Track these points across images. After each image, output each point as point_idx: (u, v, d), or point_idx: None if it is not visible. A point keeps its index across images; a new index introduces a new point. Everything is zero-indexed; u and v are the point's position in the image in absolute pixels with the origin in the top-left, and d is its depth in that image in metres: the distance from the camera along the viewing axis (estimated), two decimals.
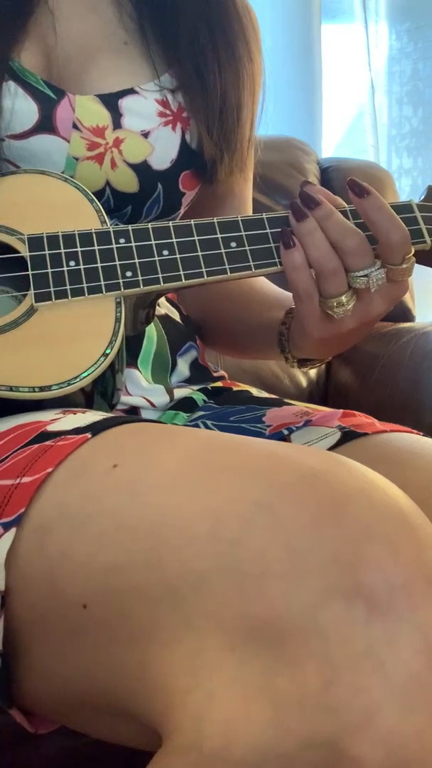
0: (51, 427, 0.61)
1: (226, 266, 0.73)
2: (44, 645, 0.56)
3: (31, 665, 0.58)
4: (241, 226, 0.74)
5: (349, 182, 0.72)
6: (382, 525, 0.47)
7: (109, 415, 0.64)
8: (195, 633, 0.47)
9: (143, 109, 0.83)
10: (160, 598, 0.48)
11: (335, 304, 0.72)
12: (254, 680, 0.45)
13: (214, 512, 0.48)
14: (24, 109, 0.79)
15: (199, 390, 0.91)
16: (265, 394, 0.93)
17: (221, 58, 0.86)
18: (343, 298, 0.72)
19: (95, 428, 0.59)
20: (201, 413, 0.88)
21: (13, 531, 0.55)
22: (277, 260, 0.73)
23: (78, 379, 0.67)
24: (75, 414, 0.64)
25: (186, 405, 0.89)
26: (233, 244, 0.73)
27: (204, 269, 0.72)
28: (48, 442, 0.59)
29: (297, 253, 0.72)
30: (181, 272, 0.72)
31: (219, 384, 0.94)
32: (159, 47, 0.87)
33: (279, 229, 0.74)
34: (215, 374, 0.95)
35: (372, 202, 0.72)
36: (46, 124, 0.80)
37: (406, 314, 1.52)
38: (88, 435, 0.58)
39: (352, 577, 0.45)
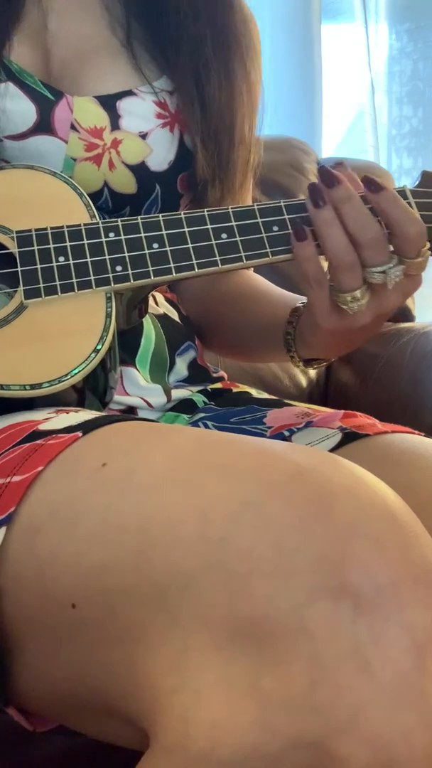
0: (43, 426, 0.61)
1: (217, 258, 0.72)
2: (36, 644, 0.56)
3: (25, 664, 0.57)
4: (232, 216, 0.73)
5: (363, 179, 0.72)
6: (369, 523, 0.46)
7: (103, 413, 0.63)
8: (182, 633, 0.46)
9: (141, 111, 0.83)
10: (148, 598, 0.48)
11: (350, 298, 0.71)
12: (241, 680, 0.44)
13: (201, 511, 0.48)
14: (22, 110, 0.79)
15: (198, 391, 0.91)
16: (265, 395, 0.93)
17: (221, 75, 0.86)
18: (358, 293, 0.71)
19: (86, 427, 0.58)
20: (202, 414, 0.87)
21: (3, 530, 0.55)
22: (268, 251, 0.73)
23: (69, 376, 0.66)
24: (68, 413, 0.64)
25: (186, 407, 0.88)
26: (224, 236, 0.73)
27: (195, 261, 0.72)
28: (39, 441, 0.59)
29: (310, 246, 0.71)
30: (172, 265, 0.71)
31: (219, 385, 0.93)
32: (158, 51, 0.87)
33: (269, 219, 0.73)
34: (214, 375, 0.95)
35: (386, 196, 0.71)
36: (44, 125, 0.80)
37: (406, 314, 1.51)
38: (79, 434, 0.58)
39: (338, 575, 0.44)
